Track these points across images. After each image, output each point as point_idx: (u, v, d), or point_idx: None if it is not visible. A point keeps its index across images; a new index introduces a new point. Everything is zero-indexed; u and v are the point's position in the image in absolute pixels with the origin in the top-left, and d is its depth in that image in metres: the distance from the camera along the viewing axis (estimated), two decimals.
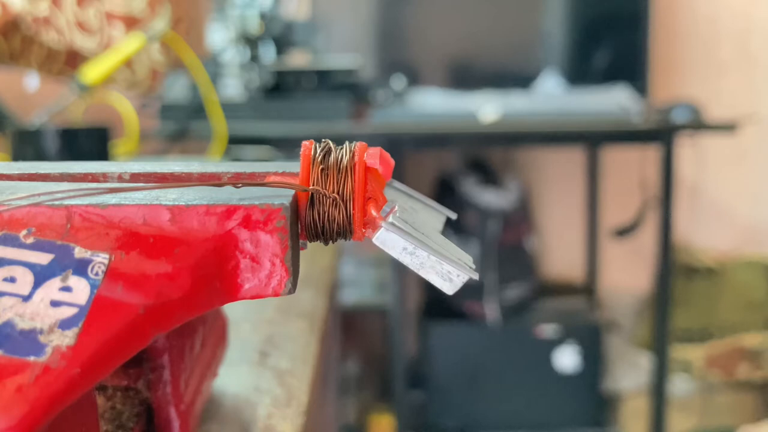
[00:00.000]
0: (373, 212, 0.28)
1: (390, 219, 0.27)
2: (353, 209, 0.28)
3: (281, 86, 1.47)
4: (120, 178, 0.31)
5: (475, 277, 0.27)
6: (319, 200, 0.28)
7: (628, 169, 1.90)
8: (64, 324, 0.22)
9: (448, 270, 0.27)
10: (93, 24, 1.12)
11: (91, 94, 0.96)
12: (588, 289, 1.97)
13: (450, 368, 1.74)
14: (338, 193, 0.28)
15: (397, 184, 0.32)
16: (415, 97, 1.61)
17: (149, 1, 1.17)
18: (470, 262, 0.27)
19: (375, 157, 0.28)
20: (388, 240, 0.27)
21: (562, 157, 2.00)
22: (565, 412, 1.73)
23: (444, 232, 0.31)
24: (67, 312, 0.23)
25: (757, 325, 1.83)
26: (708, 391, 1.75)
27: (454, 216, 0.32)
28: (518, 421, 1.72)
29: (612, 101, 1.51)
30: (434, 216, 0.32)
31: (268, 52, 1.49)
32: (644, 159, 1.77)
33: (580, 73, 1.80)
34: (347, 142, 0.29)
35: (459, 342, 1.73)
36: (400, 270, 1.56)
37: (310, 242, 0.29)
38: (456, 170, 1.86)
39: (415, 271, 0.27)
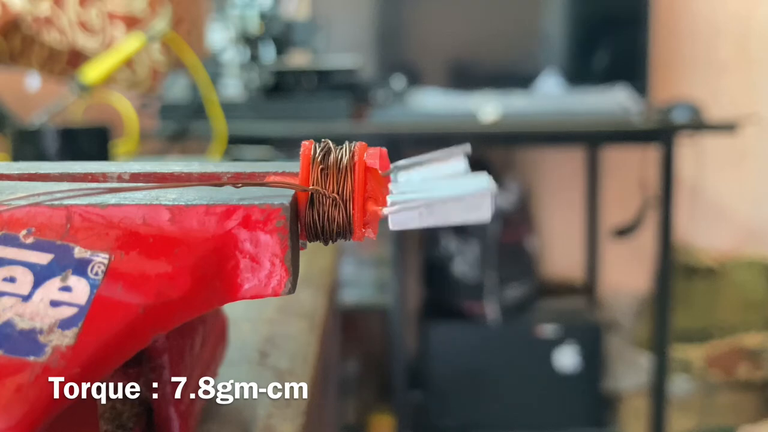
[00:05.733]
0: (373, 207, 0.28)
1: (388, 201, 0.27)
2: (353, 209, 0.28)
3: (281, 86, 1.47)
4: (120, 178, 0.31)
5: (493, 187, 0.26)
6: (319, 200, 0.28)
7: (628, 169, 1.90)
8: (64, 324, 0.22)
9: (469, 201, 0.26)
10: (95, 24, 1.12)
11: (91, 94, 0.96)
12: (588, 289, 1.97)
13: (450, 368, 1.74)
14: (338, 193, 0.28)
15: (401, 161, 0.31)
16: (415, 97, 1.61)
17: (150, 2, 1.17)
18: (486, 181, 0.27)
19: (375, 157, 0.28)
20: (401, 219, 0.26)
21: (562, 157, 2.00)
22: (565, 412, 1.73)
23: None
24: (67, 312, 0.23)
25: (757, 325, 1.83)
26: (708, 391, 1.75)
27: (468, 148, 0.30)
28: (518, 421, 1.72)
29: (612, 101, 1.51)
30: (449, 164, 0.30)
31: (268, 52, 1.49)
32: (644, 159, 1.77)
33: (580, 73, 1.80)
34: (347, 142, 0.29)
35: (459, 342, 1.73)
36: (400, 270, 1.56)
37: (310, 242, 0.29)
38: None
39: (446, 224, 0.26)
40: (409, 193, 0.27)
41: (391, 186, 0.28)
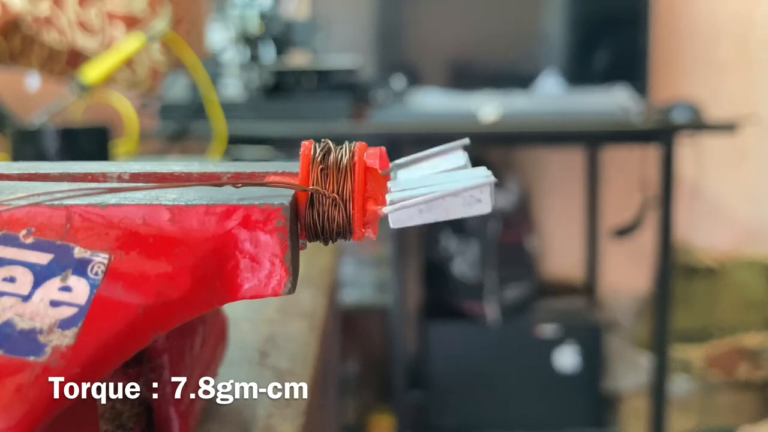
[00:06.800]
0: (373, 207, 0.28)
1: (387, 200, 0.27)
2: (353, 209, 0.28)
3: (281, 86, 1.47)
4: (120, 178, 0.31)
5: (494, 181, 0.26)
6: (319, 200, 0.28)
7: (628, 169, 1.90)
8: (64, 324, 0.22)
9: (469, 194, 0.26)
10: (94, 24, 1.12)
11: (91, 94, 0.96)
12: (588, 289, 1.97)
13: (450, 368, 1.74)
14: (338, 193, 0.28)
15: (400, 159, 0.31)
16: (415, 97, 1.61)
17: (150, 2, 1.17)
18: (485, 173, 0.26)
19: (375, 157, 0.28)
20: (401, 217, 0.26)
21: (562, 157, 2.00)
22: (565, 412, 1.73)
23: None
24: (67, 312, 0.23)
25: (757, 325, 1.83)
26: (708, 391, 1.75)
27: (467, 142, 0.30)
28: (518, 421, 1.72)
29: (612, 101, 1.51)
30: (448, 159, 0.30)
31: (268, 52, 1.49)
32: (644, 159, 1.77)
33: (580, 73, 1.80)
34: (347, 142, 0.29)
35: (459, 342, 1.73)
36: (399, 270, 1.56)
37: (310, 242, 0.29)
38: None
39: (446, 219, 0.26)
40: (408, 191, 0.27)
41: (390, 184, 0.28)
